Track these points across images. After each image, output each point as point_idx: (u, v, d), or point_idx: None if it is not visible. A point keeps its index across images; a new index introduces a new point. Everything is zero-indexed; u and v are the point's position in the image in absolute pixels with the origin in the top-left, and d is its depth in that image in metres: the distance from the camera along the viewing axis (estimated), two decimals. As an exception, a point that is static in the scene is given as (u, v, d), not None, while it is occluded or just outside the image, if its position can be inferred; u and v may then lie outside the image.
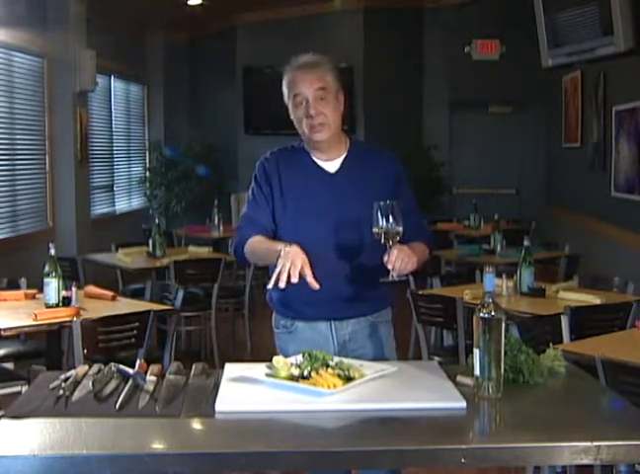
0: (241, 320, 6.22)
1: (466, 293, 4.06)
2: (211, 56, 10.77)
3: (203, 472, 1.92)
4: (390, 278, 2.39)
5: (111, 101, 9.68)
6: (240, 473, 1.83)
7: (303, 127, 2.58)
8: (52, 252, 3.77)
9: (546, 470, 2.92)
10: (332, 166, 2.65)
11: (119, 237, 7.03)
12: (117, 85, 9.88)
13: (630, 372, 2.61)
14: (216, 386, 2.10)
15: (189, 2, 9.02)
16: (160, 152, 10.64)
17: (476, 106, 9.93)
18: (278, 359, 2.16)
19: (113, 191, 9.81)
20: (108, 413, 1.94)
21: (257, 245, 2.57)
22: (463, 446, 1.74)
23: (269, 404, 1.99)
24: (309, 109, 2.54)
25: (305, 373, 2.10)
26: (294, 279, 2.26)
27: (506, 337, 2.07)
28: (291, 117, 2.62)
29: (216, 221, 7.64)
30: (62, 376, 2.16)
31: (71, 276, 5.40)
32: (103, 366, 2.24)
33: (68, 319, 3.57)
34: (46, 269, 3.75)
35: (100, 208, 9.27)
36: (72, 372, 2.20)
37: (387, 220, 2.37)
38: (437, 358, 4.18)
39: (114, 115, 9.78)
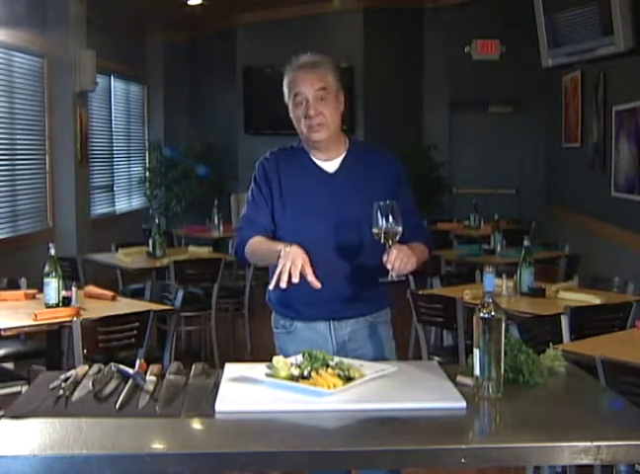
0: (241, 320, 6.22)
1: (466, 293, 4.06)
2: (211, 56, 10.77)
3: (203, 472, 1.92)
4: (389, 278, 2.39)
5: (111, 101, 9.68)
6: (240, 473, 1.83)
7: (302, 127, 2.58)
8: (52, 252, 3.77)
9: (546, 470, 2.92)
10: (331, 166, 2.65)
11: (119, 237, 7.03)
12: (117, 85, 9.88)
13: (630, 372, 2.61)
14: (216, 386, 2.10)
15: (189, 2, 9.02)
16: (160, 152, 10.64)
17: (476, 106, 9.93)
18: (278, 359, 2.16)
19: (113, 191, 9.81)
20: (108, 413, 1.94)
21: (257, 246, 2.57)
22: (463, 446, 1.74)
23: (269, 404, 1.99)
24: (309, 109, 2.54)
25: (305, 373, 2.10)
26: (295, 279, 2.26)
27: (506, 337, 2.07)
28: (291, 116, 2.62)
29: (216, 221, 7.64)
30: (62, 376, 2.16)
31: (71, 276, 5.40)
32: (103, 366, 2.24)
33: (68, 319, 3.57)
34: (46, 269, 3.75)
35: (100, 208, 9.27)
36: (72, 372, 2.20)
37: (387, 220, 2.37)
38: (437, 358, 4.18)
39: (114, 115, 9.78)
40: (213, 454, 1.76)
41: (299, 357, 2.19)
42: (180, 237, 7.83)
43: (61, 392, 2.04)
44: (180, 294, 4.12)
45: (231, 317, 6.35)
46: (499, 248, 5.89)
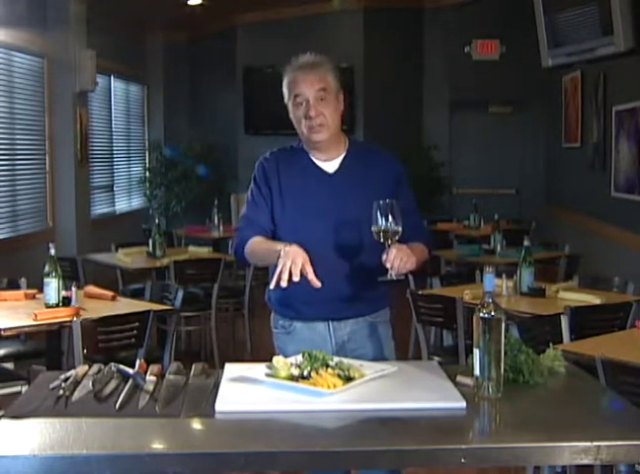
0: (241, 320, 6.22)
1: (466, 293, 4.06)
2: (211, 56, 10.77)
3: (203, 472, 1.92)
4: (389, 277, 2.39)
5: (111, 101, 9.68)
6: (240, 473, 1.83)
7: (302, 128, 2.58)
8: (52, 252, 3.77)
9: (546, 470, 2.92)
10: (331, 166, 2.65)
11: (119, 237, 7.03)
12: (117, 85, 9.88)
13: (630, 372, 2.61)
14: (216, 386, 2.10)
15: (189, 2, 9.02)
16: (160, 152, 10.64)
17: (476, 106, 9.93)
18: (277, 359, 2.16)
19: (113, 191, 9.81)
20: (108, 413, 1.94)
21: (257, 246, 2.57)
22: (463, 446, 1.74)
23: (269, 404, 1.99)
24: (309, 109, 2.54)
25: (305, 373, 2.10)
26: (296, 278, 2.26)
27: (506, 337, 2.07)
28: (291, 117, 2.62)
29: (216, 221, 7.64)
30: (62, 376, 2.16)
31: (71, 276, 5.40)
32: (103, 366, 2.24)
33: (68, 319, 3.57)
34: (46, 269, 3.75)
35: (100, 208, 9.27)
36: (72, 372, 2.20)
37: (386, 219, 2.37)
38: (436, 358, 4.18)
39: (114, 115, 9.78)
40: (213, 454, 1.76)
41: (299, 357, 2.19)
42: (180, 237, 7.83)
43: (61, 392, 2.04)
44: (180, 294, 4.12)
45: (231, 317, 6.35)
46: (499, 248, 5.89)
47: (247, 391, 2.08)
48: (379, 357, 2.60)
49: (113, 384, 2.12)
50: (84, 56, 7.74)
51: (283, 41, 9.05)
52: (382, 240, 2.38)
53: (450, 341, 4.76)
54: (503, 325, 2.02)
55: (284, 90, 2.62)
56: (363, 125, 9.80)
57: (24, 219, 7.33)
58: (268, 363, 2.18)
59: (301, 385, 2.05)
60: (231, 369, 2.25)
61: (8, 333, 3.52)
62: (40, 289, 3.90)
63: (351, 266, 2.57)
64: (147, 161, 10.92)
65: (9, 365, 4.24)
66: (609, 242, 7.01)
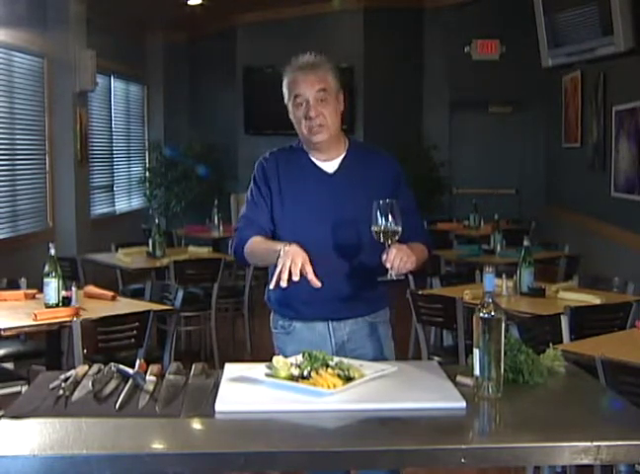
0: (241, 320, 6.22)
1: (466, 293, 4.06)
2: (211, 56, 10.77)
3: (203, 472, 1.92)
4: (388, 277, 2.39)
5: (111, 101, 9.68)
6: (240, 473, 1.83)
7: (302, 128, 2.58)
8: (52, 252, 3.77)
9: (546, 470, 2.92)
10: (330, 166, 2.65)
11: (118, 237, 7.03)
12: (117, 85, 9.88)
13: (630, 372, 2.61)
14: (216, 386, 2.10)
15: (189, 2, 9.02)
16: (160, 152, 10.64)
17: (476, 106, 9.93)
18: (277, 359, 2.16)
19: (112, 191, 9.81)
20: (108, 413, 1.94)
21: (256, 246, 2.57)
22: (463, 446, 1.74)
23: (269, 404, 1.99)
24: (309, 110, 2.54)
25: (305, 373, 2.10)
26: (296, 278, 2.26)
27: (506, 337, 2.07)
28: (291, 117, 2.62)
29: (216, 221, 7.65)
30: (62, 376, 2.16)
31: (71, 276, 5.40)
32: (103, 366, 2.24)
33: (68, 319, 3.57)
34: (46, 269, 3.75)
35: (100, 208, 9.27)
36: (72, 372, 2.20)
37: (386, 219, 2.37)
38: (436, 358, 4.18)
39: (113, 115, 9.78)
40: (213, 454, 1.76)
41: (299, 358, 2.19)
42: (180, 237, 7.83)
43: (61, 392, 2.04)
44: (180, 294, 4.12)
45: (231, 317, 6.36)
46: (499, 248, 5.89)
47: (247, 391, 2.08)
48: (379, 357, 2.60)
49: (113, 384, 2.12)
50: (84, 56, 7.74)
51: (283, 41, 9.05)
52: (382, 240, 2.38)
53: (450, 341, 4.76)
54: (503, 325, 2.02)
55: (284, 90, 2.62)
56: (363, 125, 9.80)
57: (24, 219, 7.33)
58: (268, 363, 2.18)
59: (301, 385, 2.05)
60: (231, 369, 2.25)
61: (8, 333, 3.52)
62: (40, 289, 3.90)
63: (350, 266, 2.57)
64: (147, 161, 10.92)
65: (9, 365, 4.24)
66: (609, 242, 7.01)
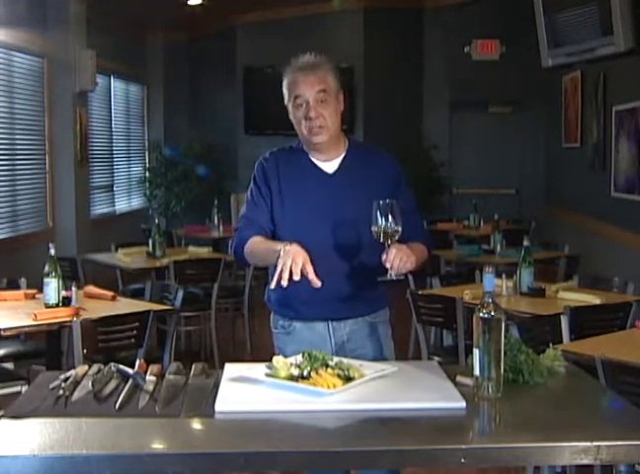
0: (241, 320, 6.22)
1: (466, 293, 4.06)
2: (211, 56, 10.78)
3: (203, 472, 1.92)
4: (388, 277, 2.39)
5: (111, 101, 9.68)
6: (240, 473, 1.83)
7: (302, 129, 2.58)
8: (52, 252, 3.77)
9: (546, 470, 2.92)
10: (330, 166, 2.65)
11: (118, 237, 7.04)
12: (116, 85, 9.88)
13: (630, 372, 2.61)
14: (216, 386, 2.10)
15: (189, 2, 9.02)
16: (160, 152, 10.64)
17: (476, 106, 9.93)
18: (277, 359, 2.16)
19: (112, 191, 9.81)
20: (108, 413, 1.94)
21: (256, 246, 2.57)
22: (463, 446, 1.74)
23: (269, 404, 1.99)
24: (309, 111, 2.54)
25: (305, 373, 2.10)
26: (296, 277, 2.26)
27: (506, 337, 2.07)
28: (291, 118, 2.62)
29: (216, 221, 7.65)
30: (62, 376, 2.16)
31: (71, 276, 5.40)
32: (103, 366, 2.24)
33: (68, 319, 3.57)
34: (46, 269, 3.75)
35: (100, 208, 9.27)
36: (72, 372, 2.20)
37: (386, 219, 2.37)
38: (436, 358, 4.18)
39: (113, 115, 9.78)
40: (213, 454, 1.76)
41: (299, 358, 2.19)
42: (180, 237, 7.83)
43: (61, 392, 2.04)
44: (180, 294, 4.12)
45: (231, 317, 6.36)
46: (499, 248, 5.89)
47: (247, 391, 2.08)
48: (379, 357, 2.60)
49: (112, 384, 2.12)
50: (84, 56, 7.74)
51: (283, 41, 9.05)
52: (382, 240, 2.38)
53: (450, 341, 4.76)
54: (503, 325, 2.02)
55: (284, 91, 2.61)
56: (363, 125, 9.80)
57: (24, 219, 7.33)
58: (268, 363, 2.18)
59: (301, 385, 2.05)
60: (231, 369, 2.25)
61: (8, 333, 3.52)
62: (40, 289, 3.90)
63: (350, 266, 2.57)
64: (147, 161, 10.92)
65: (9, 365, 4.24)
66: (609, 242, 7.01)
